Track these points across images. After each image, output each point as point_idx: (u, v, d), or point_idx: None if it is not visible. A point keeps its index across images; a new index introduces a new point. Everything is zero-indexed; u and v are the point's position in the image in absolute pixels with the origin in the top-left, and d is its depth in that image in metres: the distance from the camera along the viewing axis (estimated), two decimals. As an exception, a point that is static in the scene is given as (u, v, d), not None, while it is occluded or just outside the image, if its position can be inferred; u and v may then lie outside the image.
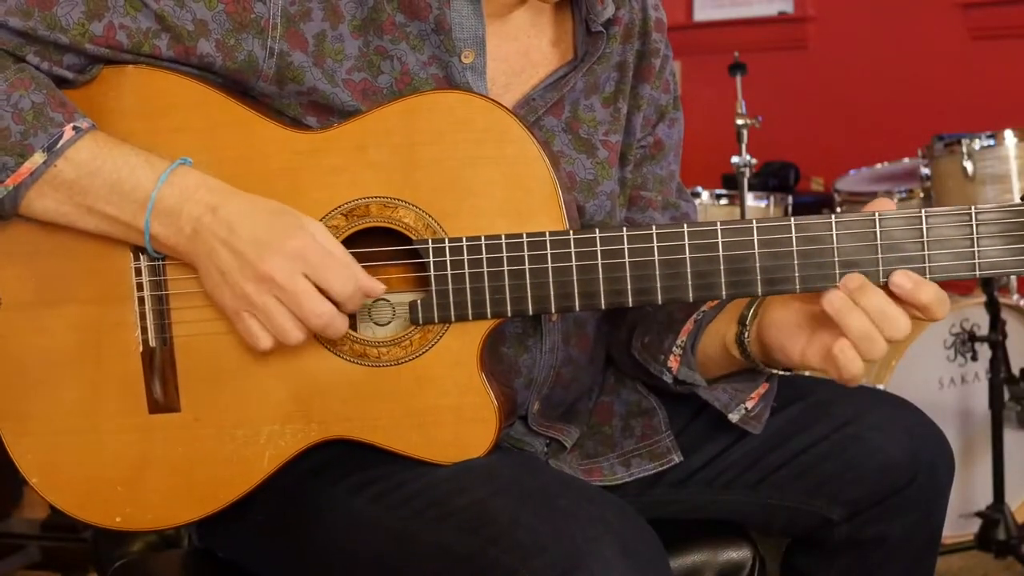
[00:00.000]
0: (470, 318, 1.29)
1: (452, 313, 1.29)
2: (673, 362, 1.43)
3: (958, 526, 2.98)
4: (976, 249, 1.25)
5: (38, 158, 1.27)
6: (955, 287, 3.41)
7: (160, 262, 1.33)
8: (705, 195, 3.48)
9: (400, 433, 1.32)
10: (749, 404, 1.42)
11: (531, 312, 1.29)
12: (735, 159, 3.17)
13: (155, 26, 1.30)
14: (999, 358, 2.87)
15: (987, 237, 1.25)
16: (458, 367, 1.31)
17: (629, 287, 1.27)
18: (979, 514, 2.88)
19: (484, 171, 1.29)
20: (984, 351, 2.93)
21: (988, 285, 2.85)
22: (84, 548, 2.84)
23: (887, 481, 1.44)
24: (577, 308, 1.29)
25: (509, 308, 1.29)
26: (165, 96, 1.33)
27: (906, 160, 3.48)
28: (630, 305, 1.28)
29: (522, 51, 1.43)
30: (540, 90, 1.42)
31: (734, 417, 1.43)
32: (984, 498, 2.92)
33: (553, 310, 1.29)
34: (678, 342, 1.42)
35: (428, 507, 1.27)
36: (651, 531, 1.25)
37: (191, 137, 1.32)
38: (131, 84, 1.34)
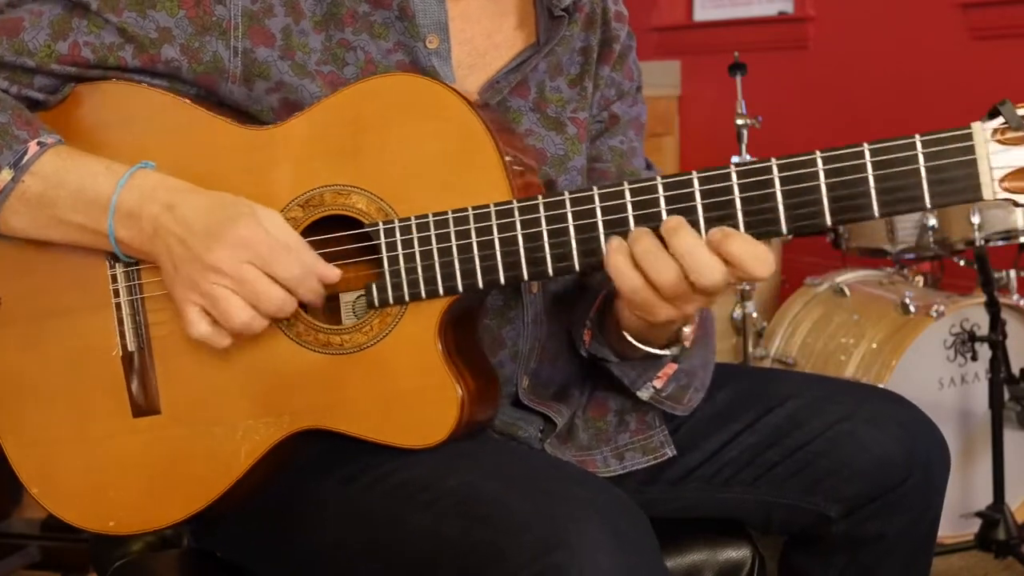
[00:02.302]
0: (423, 296, 1.29)
1: (406, 293, 1.30)
2: (587, 335, 1.44)
3: (958, 526, 2.98)
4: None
5: (6, 175, 1.31)
6: (955, 287, 3.41)
7: (135, 267, 1.36)
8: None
9: (367, 419, 1.32)
10: (657, 383, 1.43)
11: (481, 286, 1.28)
12: (735, 159, 3.16)
13: (118, 39, 1.35)
14: (999, 358, 2.87)
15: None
16: (418, 349, 1.31)
17: (575, 250, 1.26)
18: (979, 514, 2.88)
19: (429, 149, 1.30)
20: (984, 351, 2.93)
21: (988, 285, 2.85)
22: (84, 548, 2.84)
23: (883, 477, 1.45)
24: (526, 277, 1.28)
25: (460, 283, 1.28)
26: (133, 107, 1.37)
27: (906, 160, 3.47)
28: (578, 270, 1.27)
29: (485, 34, 1.46)
30: (504, 73, 1.45)
31: (643, 395, 1.44)
32: (984, 498, 2.92)
33: (502, 281, 1.28)
34: (590, 315, 1.43)
35: (417, 493, 1.28)
36: (640, 513, 1.25)
37: (157, 144, 1.35)
38: (101, 99, 1.38)
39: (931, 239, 3.05)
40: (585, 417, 1.52)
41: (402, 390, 1.31)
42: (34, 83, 1.37)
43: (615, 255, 1.23)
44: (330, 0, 1.37)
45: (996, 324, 2.86)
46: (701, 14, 4.95)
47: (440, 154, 1.30)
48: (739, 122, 3.15)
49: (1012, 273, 3.11)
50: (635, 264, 1.22)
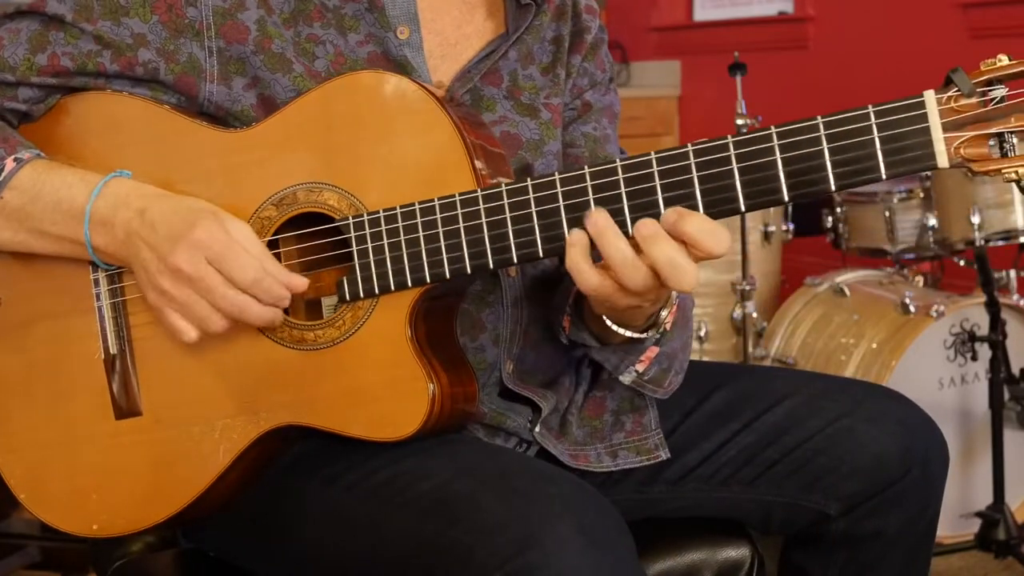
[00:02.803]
0: (392, 288, 1.30)
1: (375, 285, 1.30)
2: (566, 322, 1.45)
3: (958, 526, 2.98)
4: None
5: None
6: (955, 287, 3.41)
7: (118, 270, 1.37)
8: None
9: (340, 414, 1.32)
10: (639, 367, 1.43)
11: (448, 275, 1.29)
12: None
13: (95, 47, 1.37)
14: (999, 358, 2.87)
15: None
16: (388, 341, 1.31)
17: (539, 237, 1.26)
18: (979, 514, 2.88)
19: (398, 144, 1.31)
20: (984, 351, 2.93)
21: (988, 285, 2.85)
22: (84, 548, 2.84)
23: (881, 474, 1.45)
24: (491, 265, 1.28)
25: (427, 273, 1.29)
26: (115, 116, 1.40)
27: (906, 160, 3.47)
28: (541, 256, 1.27)
29: (455, 24, 1.48)
30: (475, 62, 1.46)
31: (625, 379, 1.44)
32: (984, 498, 2.92)
33: (468, 270, 1.28)
34: (569, 301, 1.44)
35: (395, 494, 1.28)
36: (612, 510, 1.25)
37: (137, 150, 1.37)
38: (84, 109, 1.41)
39: (931, 239, 3.05)
40: (581, 415, 1.52)
41: (373, 383, 1.31)
42: (18, 96, 1.40)
43: (574, 249, 1.22)
44: None
45: (996, 324, 2.86)
46: (701, 14, 4.96)
47: (408, 149, 1.30)
48: (739, 122, 3.15)
49: (1012, 273, 3.11)
50: (601, 264, 1.23)
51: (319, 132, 1.33)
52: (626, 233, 1.22)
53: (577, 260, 1.23)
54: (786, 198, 1.20)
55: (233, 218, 1.29)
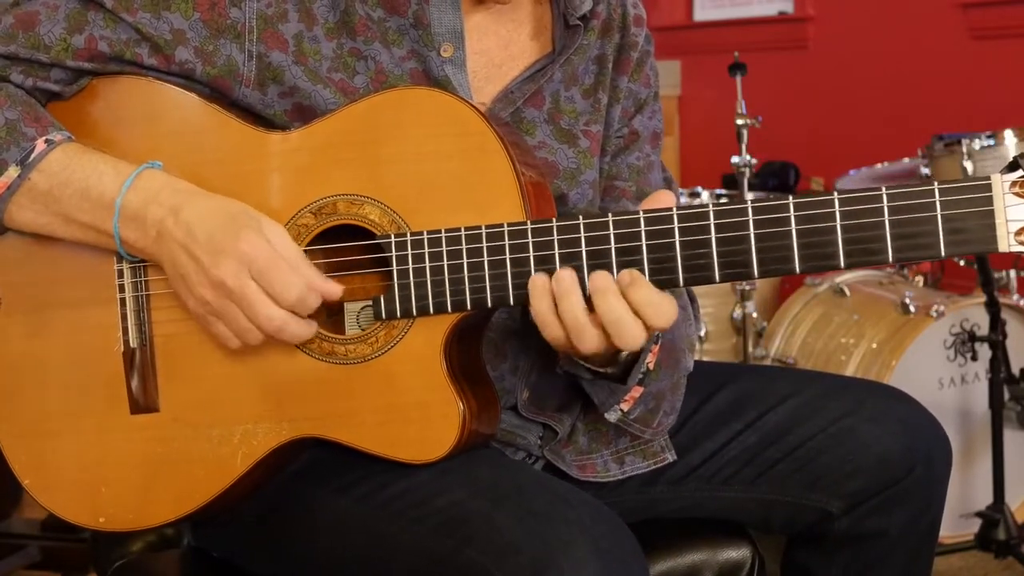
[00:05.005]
0: (431, 311, 1.29)
1: (414, 306, 1.29)
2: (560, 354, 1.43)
3: (958, 526, 2.98)
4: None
5: (12, 172, 1.31)
6: (955, 287, 3.41)
7: (142, 264, 1.35)
8: (705, 195, 3.48)
9: (367, 431, 1.32)
10: (624, 407, 1.42)
11: (490, 305, 1.28)
12: (735, 159, 3.17)
13: (134, 36, 1.34)
14: (999, 358, 2.87)
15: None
16: (422, 363, 1.30)
17: (587, 275, 1.25)
18: (979, 514, 2.88)
19: (446, 165, 1.29)
20: (984, 351, 2.93)
21: (988, 285, 2.85)
22: (84, 548, 2.84)
23: (885, 473, 1.45)
24: None
25: (468, 301, 1.28)
26: (150, 104, 1.37)
27: (906, 160, 3.48)
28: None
29: (502, 44, 1.45)
30: (518, 82, 1.44)
31: (611, 417, 1.43)
32: (984, 498, 2.92)
33: (511, 301, 1.27)
34: None
35: (409, 508, 1.28)
36: (627, 531, 1.25)
37: (173, 143, 1.35)
38: (117, 94, 1.38)
39: (931, 239, 3.05)
40: (585, 420, 1.52)
41: (404, 404, 1.30)
42: (50, 76, 1.36)
43: (539, 301, 1.23)
44: (344, 8, 1.37)
45: (996, 324, 2.86)
46: (701, 14, 4.96)
47: (457, 171, 1.29)
48: (739, 122, 3.15)
49: (1012, 273, 3.11)
50: (558, 315, 1.23)
51: (364, 144, 1.31)
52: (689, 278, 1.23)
53: (544, 310, 1.23)
54: (842, 264, 1.21)
55: (270, 222, 1.28)
